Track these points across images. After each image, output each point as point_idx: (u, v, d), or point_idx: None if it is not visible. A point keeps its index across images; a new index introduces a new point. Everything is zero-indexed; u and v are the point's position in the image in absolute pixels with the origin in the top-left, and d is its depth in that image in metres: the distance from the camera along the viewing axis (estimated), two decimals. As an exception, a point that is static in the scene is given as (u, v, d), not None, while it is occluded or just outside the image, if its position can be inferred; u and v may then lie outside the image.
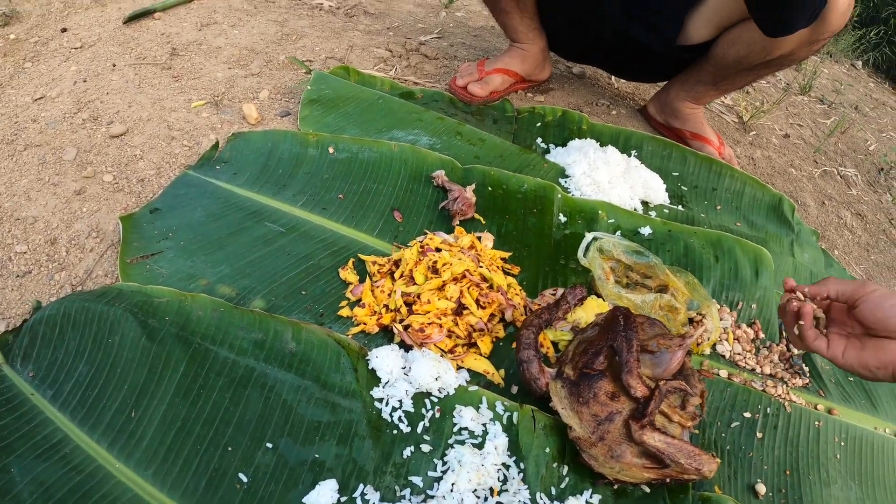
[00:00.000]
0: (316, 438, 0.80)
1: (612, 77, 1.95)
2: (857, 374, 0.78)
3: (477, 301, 0.95)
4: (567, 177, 1.34)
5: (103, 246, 1.10)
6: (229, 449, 0.79)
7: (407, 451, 0.80)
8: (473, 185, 1.18)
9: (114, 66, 1.53)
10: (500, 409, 0.86)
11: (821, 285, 0.84)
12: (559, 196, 1.22)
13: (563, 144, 1.45)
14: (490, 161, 1.33)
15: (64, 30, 1.67)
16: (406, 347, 0.91)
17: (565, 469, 0.82)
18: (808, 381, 1.05)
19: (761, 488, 0.89)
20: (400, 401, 0.84)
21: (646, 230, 1.22)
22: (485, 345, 0.94)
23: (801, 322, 0.82)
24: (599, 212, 1.22)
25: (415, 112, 1.42)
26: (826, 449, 0.96)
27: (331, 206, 1.15)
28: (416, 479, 0.78)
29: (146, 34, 1.66)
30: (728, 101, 2.07)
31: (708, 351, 1.05)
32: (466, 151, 1.35)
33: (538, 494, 0.79)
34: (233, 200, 1.15)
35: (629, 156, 1.43)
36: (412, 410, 0.84)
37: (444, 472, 0.79)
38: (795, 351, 1.08)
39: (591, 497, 0.80)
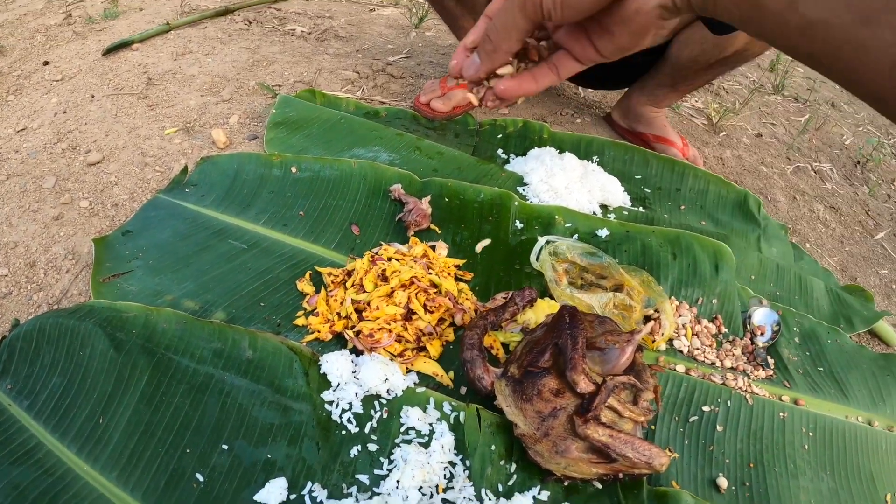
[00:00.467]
0: (268, 440, 0.85)
1: (578, 87, 2.00)
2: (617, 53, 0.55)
3: (425, 306, 1.00)
4: (525, 184, 1.39)
5: (78, 267, 1.16)
6: (188, 451, 0.84)
7: (354, 451, 0.85)
8: (429, 197, 1.23)
9: (92, 97, 1.60)
10: (447, 408, 0.90)
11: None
12: (516, 203, 1.27)
13: (524, 154, 1.50)
14: (448, 173, 1.38)
15: (46, 63, 1.75)
16: (358, 353, 0.96)
17: (513, 466, 0.85)
18: (772, 372, 1.06)
19: (723, 482, 0.90)
20: (350, 403, 0.89)
21: (603, 232, 1.25)
22: (434, 348, 0.99)
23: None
24: (556, 216, 1.26)
25: (375, 130, 1.48)
26: (793, 440, 0.97)
27: (291, 223, 1.21)
28: (363, 477, 0.82)
29: (124, 65, 1.73)
30: (698, 103, 2.12)
31: (664, 347, 1.08)
32: (425, 165, 1.41)
33: (483, 491, 0.82)
34: (199, 220, 1.21)
35: (590, 161, 1.48)
36: (361, 412, 0.88)
37: (389, 470, 0.83)
38: (760, 343, 1.10)
39: (538, 493, 0.82)
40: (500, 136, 1.60)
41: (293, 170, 1.31)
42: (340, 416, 0.88)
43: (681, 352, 1.08)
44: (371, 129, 1.48)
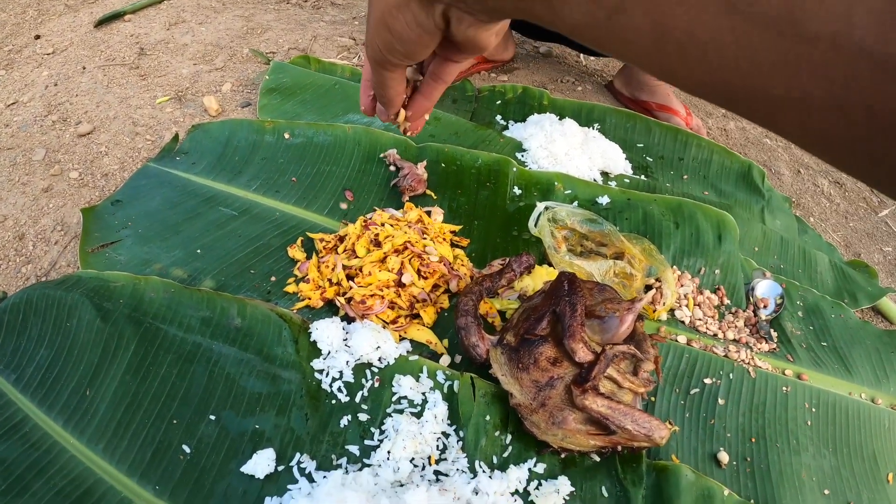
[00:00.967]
0: (256, 409, 0.83)
1: (580, 55, 1.95)
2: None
3: (419, 272, 0.97)
4: (524, 151, 1.35)
5: (67, 238, 1.14)
6: (174, 422, 0.81)
7: (344, 421, 0.82)
8: (425, 162, 1.20)
9: (84, 68, 1.57)
10: (440, 377, 0.87)
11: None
12: (514, 169, 1.23)
13: (523, 120, 1.46)
14: (445, 139, 1.34)
15: (37, 37, 1.71)
16: (350, 320, 0.93)
17: (508, 438, 0.82)
18: (775, 346, 1.03)
19: (724, 457, 0.88)
20: (340, 371, 0.86)
21: (604, 199, 1.22)
22: (428, 315, 0.95)
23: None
24: (556, 183, 1.23)
25: (371, 95, 1.44)
26: (795, 415, 0.94)
27: (284, 189, 1.18)
28: (353, 448, 0.80)
29: (116, 36, 1.70)
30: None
31: (665, 317, 1.04)
32: (422, 130, 1.36)
33: (477, 462, 0.79)
34: (189, 188, 1.18)
35: (591, 128, 1.44)
36: (352, 381, 0.86)
37: (381, 441, 0.80)
38: (763, 316, 1.07)
39: (534, 466, 0.80)
40: (498, 102, 1.55)
41: (286, 136, 1.28)
42: (330, 385, 0.85)
43: (682, 322, 1.05)
44: (366, 95, 1.44)
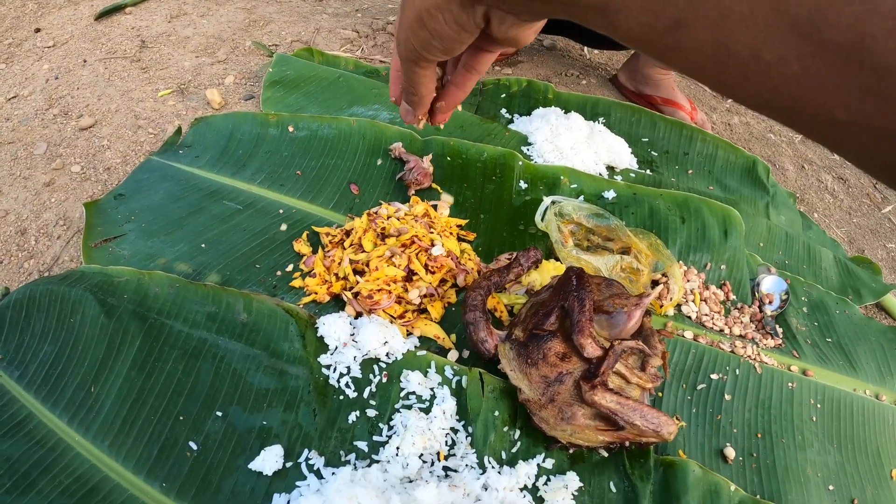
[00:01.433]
0: (264, 405, 0.82)
1: (584, 48, 1.94)
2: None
3: (426, 266, 0.96)
4: (529, 144, 1.34)
5: (70, 233, 1.13)
6: (181, 418, 0.81)
7: (352, 417, 0.82)
8: (430, 155, 1.19)
9: (85, 62, 1.56)
10: (448, 373, 0.86)
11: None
12: (520, 163, 1.22)
13: (528, 114, 1.45)
14: (450, 132, 1.33)
15: (37, 30, 1.70)
16: (357, 315, 0.93)
17: (517, 433, 0.82)
18: (780, 341, 1.03)
19: (730, 452, 0.87)
20: (348, 367, 0.86)
21: (610, 194, 1.21)
22: (435, 310, 0.95)
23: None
24: (561, 177, 1.22)
25: (375, 88, 1.43)
26: (801, 411, 0.94)
27: (288, 183, 1.17)
28: (362, 444, 0.79)
29: (117, 29, 1.68)
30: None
31: (672, 312, 1.04)
32: (426, 125, 1.35)
33: (486, 458, 0.79)
34: (193, 182, 1.17)
35: (596, 122, 1.43)
36: (360, 376, 0.85)
37: (389, 437, 0.80)
38: (768, 312, 1.07)
39: (543, 461, 0.79)
40: (503, 95, 1.54)
41: (290, 129, 1.27)
42: (338, 381, 0.85)
43: (689, 318, 1.04)
44: (370, 88, 1.43)
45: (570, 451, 0.81)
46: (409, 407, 0.83)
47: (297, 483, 0.75)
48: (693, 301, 1.06)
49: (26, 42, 1.66)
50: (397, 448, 0.78)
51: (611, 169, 1.34)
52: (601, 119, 1.48)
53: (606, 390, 0.76)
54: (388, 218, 1.01)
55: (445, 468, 0.78)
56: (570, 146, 1.31)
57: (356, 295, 0.93)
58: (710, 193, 1.34)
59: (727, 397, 0.94)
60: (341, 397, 0.83)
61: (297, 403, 0.82)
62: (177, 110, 1.41)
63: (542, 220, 1.13)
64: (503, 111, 1.49)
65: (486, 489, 0.75)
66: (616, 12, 0.34)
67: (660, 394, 0.93)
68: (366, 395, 0.84)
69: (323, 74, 1.46)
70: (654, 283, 1.06)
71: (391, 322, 0.91)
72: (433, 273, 0.96)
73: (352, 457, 0.78)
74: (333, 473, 0.75)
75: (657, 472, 0.81)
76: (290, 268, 1.02)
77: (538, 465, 0.79)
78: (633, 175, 1.34)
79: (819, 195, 1.63)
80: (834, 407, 0.97)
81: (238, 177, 1.18)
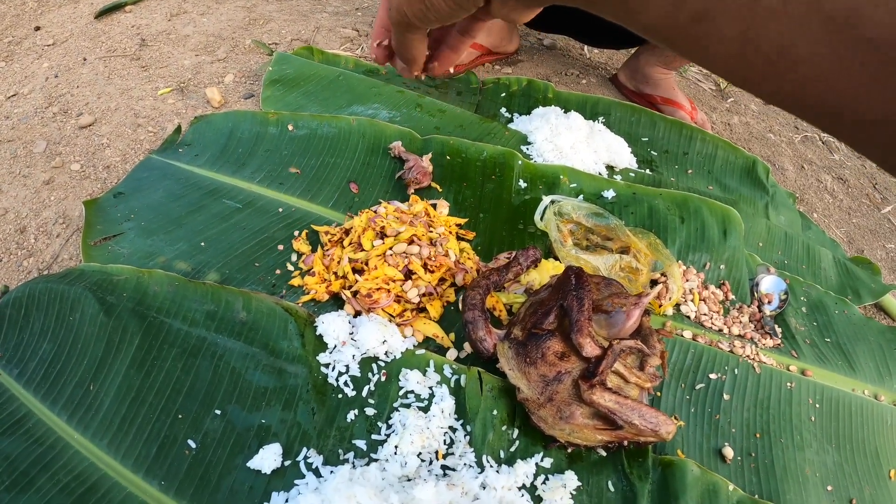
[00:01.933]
0: (262, 404, 0.82)
1: (584, 47, 1.94)
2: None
3: (425, 265, 0.96)
4: (529, 143, 1.34)
5: (69, 231, 1.13)
6: (180, 416, 0.81)
7: (351, 415, 0.82)
8: (430, 155, 1.19)
9: (84, 60, 1.56)
10: (447, 372, 0.86)
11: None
12: (519, 162, 1.22)
13: (528, 113, 1.45)
14: (450, 131, 1.33)
15: (37, 28, 1.70)
16: (356, 314, 0.93)
17: (515, 432, 0.82)
18: (779, 341, 1.03)
19: (729, 452, 0.88)
20: (346, 366, 0.86)
21: (609, 193, 1.22)
22: (434, 309, 0.95)
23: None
24: (561, 176, 1.22)
25: (375, 87, 1.43)
26: (799, 411, 0.94)
27: (288, 181, 1.17)
28: (360, 443, 0.80)
29: (117, 27, 1.68)
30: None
31: (671, 312, 1.04)
32: (426, 123, 1.36)
33: (485, 457, 0.79)
34: (192, 180, 1.17)
35: (596, 122, 1.43)
36: (359, 375, 0.85)
37: (388, 436, 0.80)
38: (767, 312, 1.07)
39: (541, 460, 0.80)
40: (503, 94, 1.54)
41: (290, 127, 1.27)
42: (337, 380, 0.85)
43: (688, 317, 1.04)
44: (370, 87, 1.43)
45: (569, 450, 0.81)
46: (408, 406, 0.83)
47: (296, 481, 0.75)
48: (692, 301, 1.06)
49: (26, 40, 1.66)
50: (396, 447, 0.78)
51: (610, 168, 1.34)
52: (601, 118, 1.48)
53: (605, 389, 0.76)
54: (387, 216, 1.01)
55: (444, 467, 0.78)
56: (570, 145, 1.31)
57: (355, 294, 0.93)
58: (710, 193, 1.34)
59: (726, 397, 0.94)
60: (340, 396, 0.83)
61: (295, 402, 0.82)
62: (176, 109, 1.41)
63: (542, 219, 1.13)
64: (503, 110, 1.49)
65: (484, 488, 0.75)
66: (636, 3, 0.33)
67: (658, 393, 0.93)
68: (364, 393, 0.84)
69: (323, 73, 1.46)
70: (653, 283, 1.06)
71: (390, 321, 0.91)
72: (432, 272, 0.96)
73: (350, 455, 0.79)
74: (332, 472, 0.75)
75: (655, 471, 0.81)
76: (289, 266, 1.02)
77: (536, 464, 0.79)
78: (632, 174, 1.34)
79: (819, 195, 1.63)
80: (832, 407, 0.97)
81: (237, 175, 1.18)
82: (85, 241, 1.05)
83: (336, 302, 0.97)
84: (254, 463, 0.76)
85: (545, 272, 1.02)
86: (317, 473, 0.76)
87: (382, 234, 0.98)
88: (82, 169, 1.25)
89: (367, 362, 0.87)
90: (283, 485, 0.76)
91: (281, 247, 1.05)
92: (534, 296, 0.90)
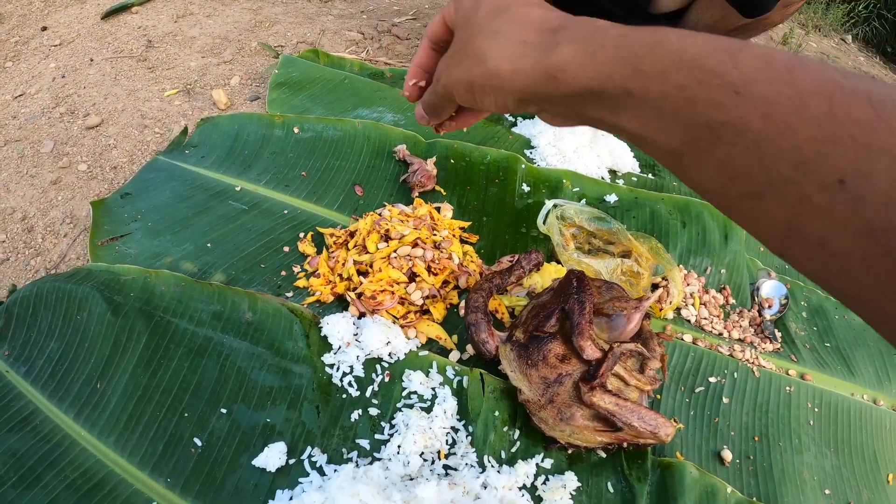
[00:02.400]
0: (267, 403, 0.83)
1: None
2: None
3: (429, 268, 0.97)
4: (532, 147, 1.35)
5: (76, 231, 1.14)
6: (186, 415, 0.82)
7: (355, 415, 0.83)
8: (434, 158, 1.20)
9: (91, 60, 1.57)
10: (450, 373, 0.87)
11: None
12: (523, 166, 1.23)
13: (531, 117, 1.46)
14: (454, 135, 1.34)
15: (44, 28, 1.71)
16: (360, 315, 0.94)
17: (517, 433, 0.83)
18: (779, 346, 1.03)
19: (727, 455, 0.88)
20: (350, 366, 0.87)
21: (612, 197, 1.22)
22: (437, 311, 0.96)
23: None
24: (564, 180, 1.23)
25: (380, 90, 1.44)
26: (798, 415, 0.95)
27: (293, 184, 1.18)
28: (364, 442, 0.80)
29: (123, 28, 1.70)
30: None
31: (672, 315, 1.05)
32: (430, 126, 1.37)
33: (486, 457, 0.80)
34: (199, 182, 1.18)
35: (598, 125, 1.44)
36: (363, 375, 0.86)
37: (391, 435, 0.81)
38: (767, 316, 1.08)
39: (542, 461, 0.80)
40: (507, 98, 1.55)
41: (295, 130, 1.28)
42: (341, 380, 0.86)
43: (688, 321, 1.05)
44: (375, 90, 1.44)
45: (569, 451, 0.82)
46: (411, 406, 0.84)
47: (300, 480, 0.76)
48: (693, 305, 1.07)
49: (33, 40, 1.67)
50: (398, 446, 0.79)
51: (613, 173, 1.35)
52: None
53: (605, 392, 0.77)
54: (392, 219, 1.02)
55: (446, 466, 0.79)
56: (573, 150, 1.32)
57: (359, 295, 0.94)
58: (711, 198, 1.34)
59: (725, 400, 0.95)
60: (344, 396, 0.85)
61: (300, 401, 0.84)
62: (183, 110, 1.42)
63: (544, 223, 1.14)
64: (506, 114, 1.50)
65: (485, 488, 0.76)
66: (689, 166, 0.35)
67: (658, 396, 0.94)
68: (368, 393, 0.85)
69: (328, 76, 1.47)
70: (654, 287, 1.06)
71: (394, 322, 0.92)
72: (436, 275, 0.97)
73: (354, 454, 0.79)
74: (336, 470, 0.76)
75: (654, 473, 0.81)
76: (294, 268, 1.03)
77: (537, 464, 0.80)
78: (634, 179, 1.34)
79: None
80: (831, 411, 0.97)
81: (244, 177, 1.19)
82: (92, 240, 1.06)
83: (341, 303, 0.98)
84: (259, 461, 0.77)
85: (547, 275, 1.03)
86: (321, 472, 0.77)
87: (387, 237, 0.99)
88: (89, 169, 1.26)
89: (370, 363, 0.88)
90: (288, 483, 0.76)
91: (286, 248, 1.06)
92: (536, 299, 0.91)
